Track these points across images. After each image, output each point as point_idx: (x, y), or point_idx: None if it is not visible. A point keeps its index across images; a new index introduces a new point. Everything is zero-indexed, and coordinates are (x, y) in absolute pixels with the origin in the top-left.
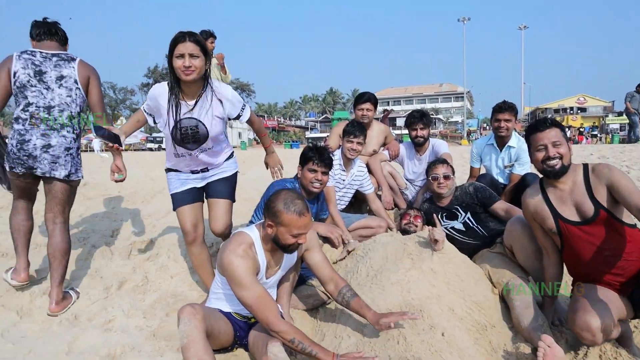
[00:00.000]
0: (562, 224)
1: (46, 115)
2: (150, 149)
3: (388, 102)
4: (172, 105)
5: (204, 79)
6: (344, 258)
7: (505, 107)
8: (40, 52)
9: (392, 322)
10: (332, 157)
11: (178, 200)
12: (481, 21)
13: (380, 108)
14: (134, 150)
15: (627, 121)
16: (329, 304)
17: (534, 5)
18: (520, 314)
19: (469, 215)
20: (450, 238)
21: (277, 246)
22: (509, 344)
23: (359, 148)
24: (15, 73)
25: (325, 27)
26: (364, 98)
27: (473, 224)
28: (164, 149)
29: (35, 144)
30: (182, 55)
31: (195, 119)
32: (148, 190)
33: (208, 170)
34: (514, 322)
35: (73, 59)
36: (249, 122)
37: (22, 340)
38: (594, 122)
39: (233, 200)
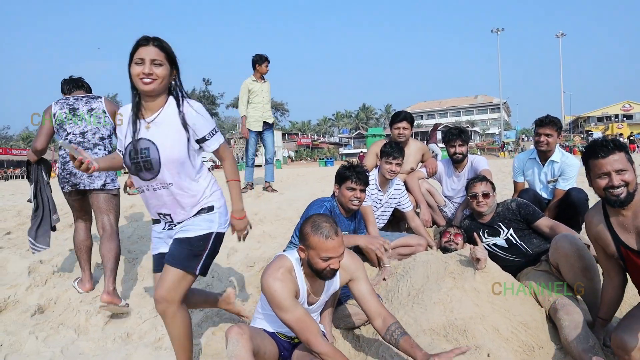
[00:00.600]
0: (624, 251)
1: (81, 139)
2: None
3: (422, 116)
4: (130, 123)
5: (169, 93)
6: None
7: (546, 122)
8: (73, 96)
9: None
10: (368, 175)
11: (154, 264)
12: (516, 31)
13: (494, 115)
14: None
15: None
16: (369, 323)
17: (569, 13)
18: (569, 335)
19: (511, 231)
20: (493, 255)
21: (312, 271)
22: None
23: (398, 169)
24: (54, 114)
25: (357, 42)
26: (400, 117)
27: (516, 241)
28: None
29: (67, 164)
30: (142, 61)
31: (148, 139)
32: None
33: (172, 226)
34: (563, 343)
35: (99, 97)
36: (218, 154)
37: (79, 357)
38: (632, 132)
39: (194, 273)
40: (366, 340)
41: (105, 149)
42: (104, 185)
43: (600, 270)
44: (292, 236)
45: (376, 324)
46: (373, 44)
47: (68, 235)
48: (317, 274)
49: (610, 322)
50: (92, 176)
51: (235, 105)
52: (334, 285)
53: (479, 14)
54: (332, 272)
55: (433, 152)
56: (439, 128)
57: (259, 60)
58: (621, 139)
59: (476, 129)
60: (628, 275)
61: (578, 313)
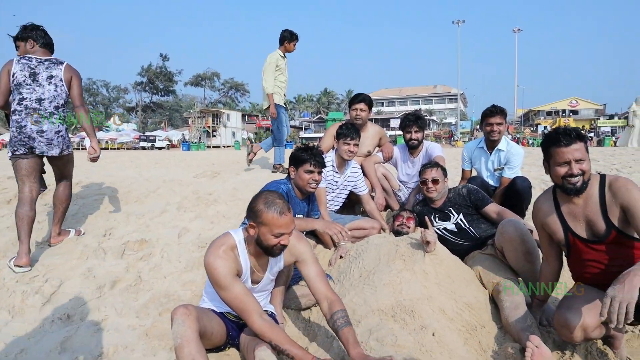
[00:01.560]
0: (572, 238)
1: (37, 106)
2: (144, 148)
3: (382, 103)
4: None
5: None
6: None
7: (496, 111)
8: (36, 58)
9: None
10: (324, 157)
11: None
12: (476, 23)
13: (452, 105)
14: (127, 149)
15: (620, 124)
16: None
17: (527, 9)
18: (509, 315)
19: (461, 216)
20: (442, 239)
21: (261, 248)
22: (498, 344)
23: (356, 150)
24: (14, 74)
25: (320, 27)
26: (359, 98)
27: (465, 226)
28: (157, 148)
29: (31, 129)
30: None
31: None
32: (142, 190)
33: None
34: (503, 323)
35: (61, 63)
36: None
37: (14, 339)
38: (583, 125)
39: None
40: (317, 321)
41: (60, 119)
42: (61, 152)
43: (541, 255)
44: (245, 217)
45: (322, 307)
46: (337, 30)
47: (2, 213)
48: (266, 251)
49: (547, 303)
50: (50, 144)
51: (193, 83)
52: (278, 264)
53: (442, 5)
54: (282, 248)
55: None
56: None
57: (290, 38)
58: None
59: (434, 118)
60: (565, 260)
61: (519, 294)
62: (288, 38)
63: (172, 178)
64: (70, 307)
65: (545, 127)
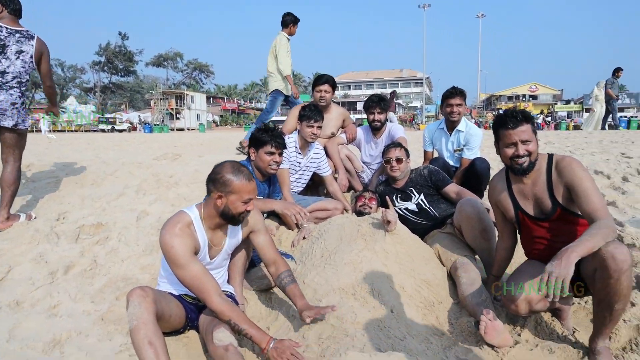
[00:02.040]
0: (522, 216)
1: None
2: (103, 130)
3: (349, 86)
4: None
5: None
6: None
7: (456, 92)
8: (7, 28)
9: (313, 317)
10: (285, 137)
11: None
12: (441, 8)
13: (417, 89)
14: (85, 131)
15: (575, 109)
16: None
17: None
18: (465, 290)
19: (422, 197)
20: (403, 219)
21: (226, 219)
22: (455, 318)
23: (319, 132)
24: None
25: (286, 8)
26: (323, 80)
27: (426, 205)
28: (118, 131)
29: None
30: None
31: None
32: (99, 172)
33: None
34: (460, 298)
35: (33, 37)
36: None
37: None
38: (542, 110)
39: None
40: (278, 301)
41: (20, 91)
42: (15, 124)
43: (497, 233)
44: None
45: (270, 270)
46: (303, 12)
47: None
48: (232, 220)
49: (501, 278)
50: (4, 114)
51: (155, 63)
52: (236, 236)
53: None
54: (247, 215)
55: (389, 119)
56: (394, 96)
57: (295, 21)
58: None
59: (400, 101)
60: (519, 238)
61: (475, 271)
62: (294, 22)
63: (131, 160)
64: (19, 294)
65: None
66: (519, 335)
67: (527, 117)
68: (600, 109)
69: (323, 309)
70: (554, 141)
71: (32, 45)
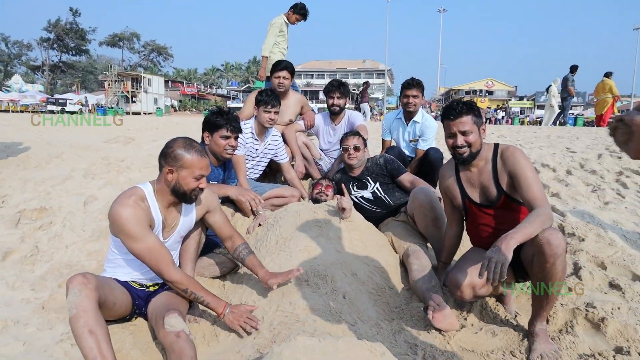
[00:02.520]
0: (468, 203)
1: None
2: (52, 112)
3: (312, 75)
4: None
5: None
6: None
7: (412, 84)
8: None
9: (278, 282)
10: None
11: None
12: (405, 1)
13: (380, 81)
14: (32, 112)
15: (528, 105)
16: (237, 271)
17: None
18: (416, 276)
19: (377, 185)
20: (359, 207)
21: (177, 196)
22: (405, 303)
23: (276, 117)
24: None
25: None
26: (281, 66)
27: (381, 194)
28: (68, 112)
29: None
30: None
31: None
32: (43, 155)
33: None
34: (411, 284)
35: None
36: None
37: None
38: (498, 105)
39: None
40: (231, 288)
41: None
42: None
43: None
44: None
45: (227, 245)
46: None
47: None
48: (183, 197)
49: (450, 265)
50: None
51: (110, 43)
52: (190, 216)
53: None
54: (199, 193)
55: (363, 111)
56: (368, 87)
57: (301, 11)
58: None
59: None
60: (466, 225)
61: (425, 258)
62: (300, 11)
63: (80, 143)
64: None
65: None
66: (465, 319)
67: (468, 109)
68: (557, 105)
69: (289, 273)
70: (506, 135)
71: None
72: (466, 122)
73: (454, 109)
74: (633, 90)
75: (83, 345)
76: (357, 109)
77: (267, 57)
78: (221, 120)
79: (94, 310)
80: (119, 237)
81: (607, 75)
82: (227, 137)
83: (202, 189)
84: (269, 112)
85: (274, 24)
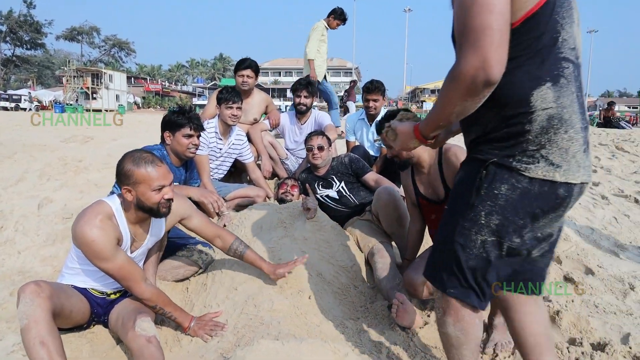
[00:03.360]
0: (421, 200)
1: None
2: (5, 108)
3: (279, 73)
4: None
5: None
6: None
7: (372, 88)
8: None
9: (287, 271)
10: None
11: None
12: (371, 0)
13: (347, 79)
14: None
15: None
16: (200, 273)
17: None
18: (380, 275)
19: (342, 184)
20: (325, 206)
21: (145, 212)
22: (370, 302)
23: (239, 113)
24: None
25: None
26: (245, 64)
27: (346, 193)
28: (22, 109)
29: None
30: None
31: None
32: None
33: None
34: (375, 282)
35: None
36: None
37: None
38: None
39: None
40: (194, 291)
41: None
42: None
43: None
44: (114, 185)
45: (217, 244)
46: None
47: None
48: (152, 212)
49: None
50: None
51: (68, 37)
52: (159, 228)
53: None
54: (168, 204)
55: (350, 110)
56: (355, 85)
57: (341, 17)
58: None
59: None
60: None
61: (390, 257)
62: (340, 17)
63: (34, 142)
64: None
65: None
66: (429, 316)
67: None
68: None
69: (294, 262)
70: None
71: None
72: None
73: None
74: (587, 90)
75: (34, 357)
76: (344, 107)
77: (313, 59)
78: (183, 119)
79: (47, 320)
80: (84, 254)
81: None
82: (190, 136)
83: (170, 200)
84: (231, 107)
85: (317, 29)
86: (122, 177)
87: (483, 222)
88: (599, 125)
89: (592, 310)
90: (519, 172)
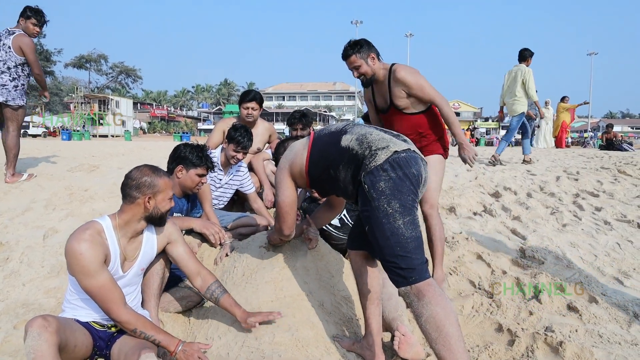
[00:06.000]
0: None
1: None
2: None
3: (283, 97)
4: None
5: None
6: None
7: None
8: (9, 29)
9: (258, 321)
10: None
11: None
12: (372, 25)
13: (350, 102)
14: None
15: (493, 126)
16: (203, 304)
17: (419, 15)
18: (382, 305)
19: (344, 212)
20: (326, 235)
21: (152, 221)
22: None
23: (243, 158)
24: None
25: (221, 14)
26: (250, 97)
27: (348, 221)
28: (31, 135)
29: None
30: None
31: None
32: (0, 185)
33: None
34: None
35: (14, 32)
36: None
37: None
38: (468, 127)
39: None
40: (196, 323)
41: (10, 75)
42: (6, 100)
43: None
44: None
45: (196, 283)
46: (239, 19)
47: None
48: (161, 220)
49: None
50: None
51: (76, 64)
52: (151, 247)
53: (342, 4)
54: (168, 213)
55: None
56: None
57: (531, 55)
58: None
59: (333, 114)
60: None
61: (392, 286)
62: (530, 55)
63: (41, 171)
64: None
65: None
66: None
67: (353, 49)
68: (545, 125)
69: (269, 314)
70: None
71: (10, 38)
72: (353, 60)
73: (343, 51)
74: (590, 112)
75: None
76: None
77: (537, 99)
78: (200, 159)
79: (53, 355)
80: (71, 271)
81: (562, 99)
82: (203, 175)
83: (172, 207)
84: (239, 152)
85: (531, 74)
86: (144, 187)
87: None
88: (601, 147)
89: (597, 340)
90: None
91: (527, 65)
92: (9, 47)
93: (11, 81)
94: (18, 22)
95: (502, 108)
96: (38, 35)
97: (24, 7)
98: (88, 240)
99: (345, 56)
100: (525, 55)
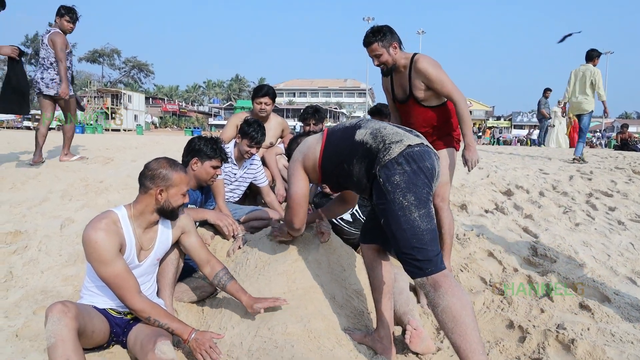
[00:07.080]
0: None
1: (42, 62)
2: (28, 128)
3: (294, 94)
4: None
5: None
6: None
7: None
8: (53, 28)
9: (264, 307)
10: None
11: None
12: (385, 22)
13: (360, 99)
14: (7, 128)
15: (504, 125)
16: (216, 295)
17: (431, 12)
18: (394, 299)
19: (356, 207)
20: (338, 229)
21: (163, 214)
22: None
23: (256, 152)
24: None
25: (233, 10)
26: (263, 92)
27: (360, 216)
28: None
29: (35, 76)
30: None
31: None
32: (19, 175)
33: None
34: None
35: (49, 32)
36: None
37: None
38: (478, 125)
39: None
40: (210, 313)
41: (54, 69)
42: (57, 93)
43: None
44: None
45: (205, 271)
46: (250, 15)
47: None
48: (171, 214)
49: None
50: (47, 86)
51: (89, 59)
52: (166, 238)
53: (353, 1)
54: (180, 208)
55: None
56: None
57: (599, 55)
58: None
59: (344, 110)
60: None
61: (404, 280)
62: (597, 55)
63: (57, 163)
64: None
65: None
66: (442, 342)
67: (375, 37)
68: (558, 125)
69: (275, 300)
70: (482, 156)
71: (46, 36)
72: (374, 48)
73: (364, 39)
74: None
75: None
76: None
77: (605, 99)
78: (216, 152)
79: (73, 339)
80: (88, 259)
81: None
82: (217, 167)
83: (185, 202)
84: (252, 147)
85: (600, 74)
86: (158, 179)
87: None
88: (616, 147)
89: (609, 339)
90: None
91: (594, 65)
92: (47, 45)
93: (57, 75)
94: (55, 20)
95: (565, 104)
96: (72, 31)
97: (59, 5)
98: (104, 230)
99: (367, 43)
100: (592, 56)
